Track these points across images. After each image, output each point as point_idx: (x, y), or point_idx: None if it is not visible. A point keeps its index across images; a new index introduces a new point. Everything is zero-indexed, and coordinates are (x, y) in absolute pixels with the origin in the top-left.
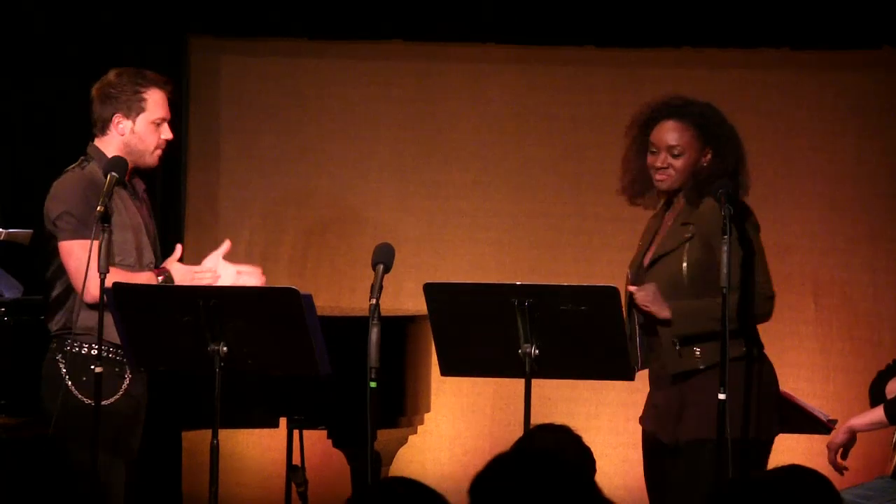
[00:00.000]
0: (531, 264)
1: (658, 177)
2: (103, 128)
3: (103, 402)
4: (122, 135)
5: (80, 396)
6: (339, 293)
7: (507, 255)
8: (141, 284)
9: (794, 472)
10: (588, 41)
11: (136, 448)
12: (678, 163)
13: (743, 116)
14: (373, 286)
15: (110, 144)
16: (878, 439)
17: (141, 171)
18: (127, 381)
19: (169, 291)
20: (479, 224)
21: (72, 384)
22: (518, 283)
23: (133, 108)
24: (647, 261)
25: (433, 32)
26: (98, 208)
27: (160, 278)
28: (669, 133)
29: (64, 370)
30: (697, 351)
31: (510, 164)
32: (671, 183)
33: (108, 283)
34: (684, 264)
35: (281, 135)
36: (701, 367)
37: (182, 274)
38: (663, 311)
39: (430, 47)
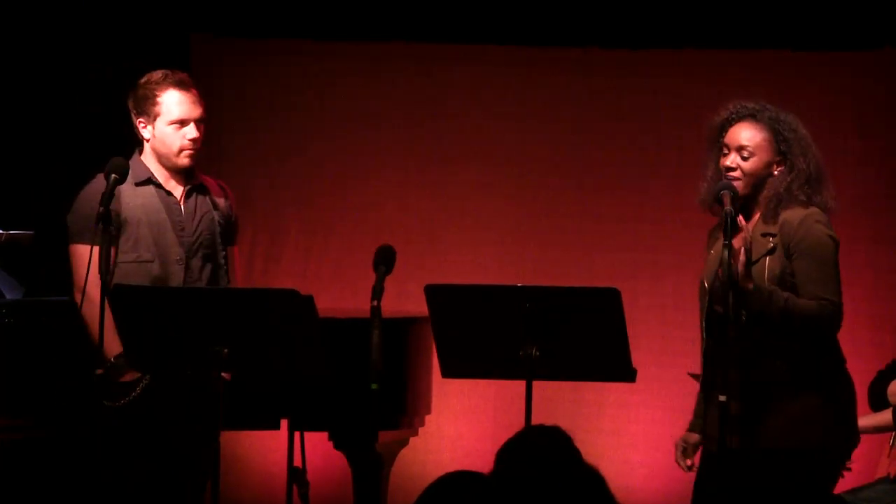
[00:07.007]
0: (533, 265)
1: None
2: (138, 136)
3: (116, 404)
4: (148, 140)
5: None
6: (341, 295)
7: (509, 257)
8: (142, 286)
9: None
10: (590, 42)
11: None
12: (747, 165)
13: None
14: (374, 288)
15: (145, 153)
16: (879, 441)
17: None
18: (142, 386)
19: (170, 293)
20: (482, 225)
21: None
22: (519, 284)
23: (150, 112)
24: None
25: (435, 34)
26: (99, 209)
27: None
28: (741, 133)
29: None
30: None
31: (512, 165)
32: (740, 187)
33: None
34: (765, 277)
35: (282, 135)
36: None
37: None
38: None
39: (431, 48)
